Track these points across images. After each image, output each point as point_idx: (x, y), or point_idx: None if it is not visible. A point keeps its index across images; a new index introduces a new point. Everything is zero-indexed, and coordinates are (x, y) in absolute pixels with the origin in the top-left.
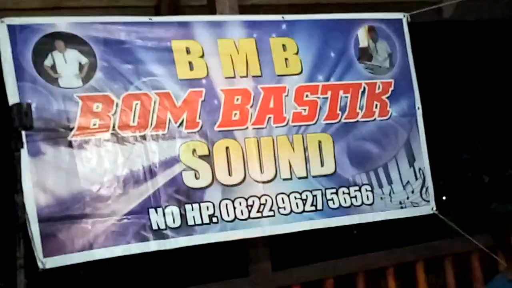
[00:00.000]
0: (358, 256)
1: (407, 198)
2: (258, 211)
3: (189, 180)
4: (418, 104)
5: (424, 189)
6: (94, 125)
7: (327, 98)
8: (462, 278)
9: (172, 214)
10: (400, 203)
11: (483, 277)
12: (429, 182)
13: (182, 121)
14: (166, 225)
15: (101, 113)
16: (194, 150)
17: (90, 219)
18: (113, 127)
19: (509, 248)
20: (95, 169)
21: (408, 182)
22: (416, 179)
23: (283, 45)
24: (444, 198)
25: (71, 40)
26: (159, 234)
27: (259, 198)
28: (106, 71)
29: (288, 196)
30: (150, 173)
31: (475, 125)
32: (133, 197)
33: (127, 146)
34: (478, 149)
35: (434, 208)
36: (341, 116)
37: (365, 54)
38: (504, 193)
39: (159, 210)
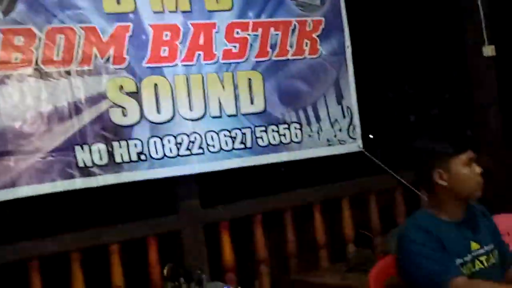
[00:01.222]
0: (286, 193)
1: (335, 135)
2: (187, 149)
3: (117, 117)
4: (348, 43)
5: (351, 127)
6: (16, 59)
7: (257, 35)
8: (385, 213)
9: (99, 151)
10: (328, 140)
11: (405, 212)
12: (357, 121)
13: (109, 56)
14: (92, 162)
15: (23, 47)
16: (121, 87)
17: (12, 156)
18: (36, 62)
19: (430, 183)
20: (17, 105)
21: (336, 120)
22: (344, 117)
23: None
24: (371, 136)
25: None
26: (85, 171)
27: (188, 136)
28: (28, 3)
29: (218, 133)
30: (76, 109)
31: (403, 66)
32: (57, 134)
33: (51, 81)
34: (405, 89)
35: (361, 146)
36: (272, 54)
37: None
38: (429, 131)
39: (85, 147)
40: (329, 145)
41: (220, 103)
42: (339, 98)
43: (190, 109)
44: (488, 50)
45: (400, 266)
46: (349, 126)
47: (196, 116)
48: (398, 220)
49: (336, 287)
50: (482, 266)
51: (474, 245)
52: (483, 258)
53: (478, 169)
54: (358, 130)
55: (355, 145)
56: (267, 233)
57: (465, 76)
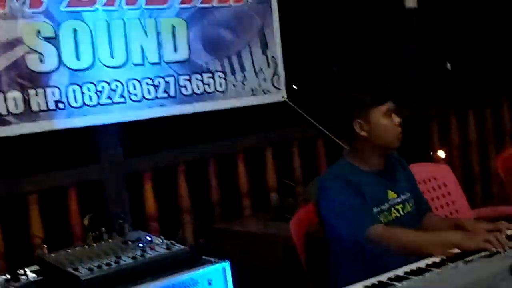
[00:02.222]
0: (210, 143)
1: (259, 85)
2: (108, 97)
3: (33, 64)
4: None
5: (275, 77)
6: None
7: None
8: (308, 162)
9: (14, 99)
10: (252, 90)
11: (327, 162)
12: (281, 70)
13: None
14: (8, 110)
15: None
16: (38, 32)
17: None
18: None
19: (351, 134)
20: None
21: (260, 69)
22: (269, 66)
23: None
24: (294, 87)
25: None
26: (0, 120)
27: (109, 84)
28: None
29: (140, 82)
30: None
31: (327, 17)
32: None
33: None
34: (328, 39)
35: (285, 96)
36: (196, 1)
37: None
38: (350, 82)
39: (0, 95)
40: (253, 95)
41: (142, 50)
42: (264, 48)
43: (111, 56)
44: (410, 2)
45: (321, 213)
46: (273, 76)
47: (118, 63)
48: (320, 169)
49: (258, 235)
50: (398, 215)
51: (391, 194)
52: (399, 207)
53: (397, 120)
54: (283, 80)
55: (279, 95)
56: (191, 182)
57: (387, 28)
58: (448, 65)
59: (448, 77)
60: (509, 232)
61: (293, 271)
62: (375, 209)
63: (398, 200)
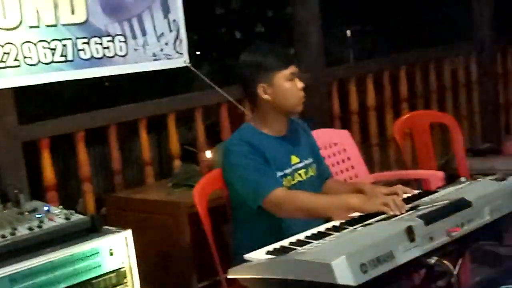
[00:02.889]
0: (110, 109)
1: (161, 50)
2: (1, 61)
3: None
4: None
5: (177, 42)
6: None
7: None
8: (211, 128)
9: None
10: (154, 55)
11: (231, 127)
12: (183, 35)
13: None
14: None
15: None
16: None
17: None
18: None
19: (255, 98)
20: None
21: (162, 33)
22: (171, 31)
23: None
24: (197, 52)
25: None
26: None
27: (2, 47)
28: None
29: (35, 45)
30: None
31: None
32: None
33: None
34: (232, 5)
35: (187, 61)
36: None
37: None
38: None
39: None
40: (155, 59)
41: (37, 12)
42: (166, 11)
43: (4, 17)
44: None
45: (225, 178)
46: (175, 40)
47: (11, 25)
48: (224, 135)
49: (161, 203)
50: (301, 179)
51: (294, 159)
52: (302, 172)
53: (300, 85)
54: (185, 44)
55: (181, 60)
56: (91, 150)
57: None
58: (348, 32)
59: (348, 43)
60: (405, 196)
61: (197, 239)
62: (279, 173)
63: (301, 165)
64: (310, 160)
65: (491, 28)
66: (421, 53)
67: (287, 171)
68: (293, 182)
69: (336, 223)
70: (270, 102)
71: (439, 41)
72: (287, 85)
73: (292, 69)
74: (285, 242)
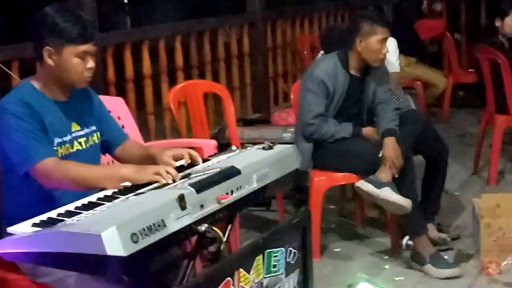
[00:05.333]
0: None
1: None
2: None
3: None
4: None
5: None
6: None
7: None
8: None
9: None
10: None
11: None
12: None
13: None
14: None
15: None
16: None
17: None
18: None
19: (40, 57)
20: None
21: None
22: None
23: None
24: None
25: None
26: None
27: None
28: None
29: None
30: None
31: None
32: None
33: None
34: None
35: None
36: None
37: None
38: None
39: None
40: None
41: None
42: None
43: None
44: None
45: None
46: None
47: None
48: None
49: None
50: (80, 148)
51: (74, 126)
52: (82, 140)
53: (90, 64)
54: None
55: None
56: None
57: None
58: None
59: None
60: (178, 164)
61: None
62: (57, 140)
63: (82, 133)
64: (92, 128)
65: (263, 3)
66: (196, 23)
67: (66, 138)
68: (72, 150)
69: (108, 192)
70: (52, 68)
71: (215, 13)
72: (74, 61)
73: (87, 47)
74: (53, 214)
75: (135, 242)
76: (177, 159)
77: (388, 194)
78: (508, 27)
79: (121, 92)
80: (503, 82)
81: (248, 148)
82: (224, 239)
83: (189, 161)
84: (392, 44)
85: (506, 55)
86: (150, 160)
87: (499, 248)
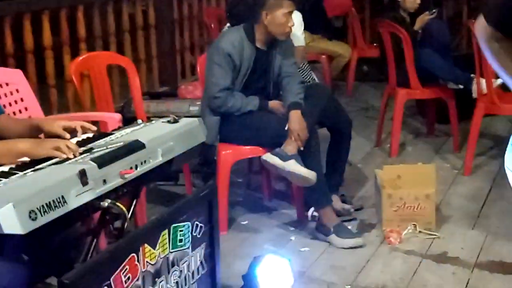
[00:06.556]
0: None
1: None
2: None
3: None
4: None
5: None
6: None
7: None
8: None
9: None
10: None
11: None
12: None
13: None
14: None
15: None
16: None
17: None
18: None
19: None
20: None
21: None
22: None
23: None
24: None
25: None
26: None
27: None
28: None
29: None
30: None
31: None
32: None
33: None
34: None
35: None
36: None
37: None
38: None
39: None
40: None
41: None
42: None
43: None
44: None
45: None
46: None
47: None
48: None
49: None
50: None
51: None
52: None
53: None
54: None
55: None
56: None
57: None
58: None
59: None
60: (80, 138)
61: None
62: None
63: None
64: None
65: None
66: None
67: None
68: None
69: (5, 168)
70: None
71: None
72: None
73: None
74: None
75: (34, 219)
76: (69, 131)
77: (294, 166)
78: (409, 2)
79: (21, 64)
80: (404, 56)
81: (153, 121)
82: (129, 215)
83: (82, 134)
84: (297, 18)
85: (407, 30)
86: (35, 131)
87: (399, 218)
